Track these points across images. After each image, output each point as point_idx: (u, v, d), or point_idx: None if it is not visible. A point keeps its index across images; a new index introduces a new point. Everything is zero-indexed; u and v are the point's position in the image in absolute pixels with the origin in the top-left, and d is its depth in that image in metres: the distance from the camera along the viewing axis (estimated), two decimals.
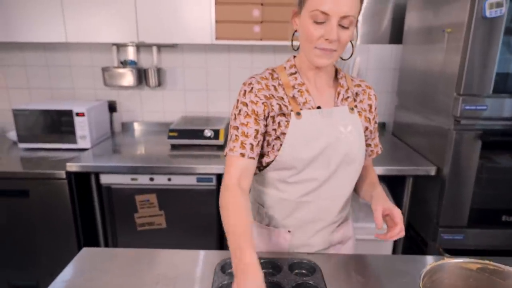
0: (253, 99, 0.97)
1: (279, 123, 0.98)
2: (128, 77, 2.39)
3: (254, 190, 1.14)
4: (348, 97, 1.04)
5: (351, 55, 1.06)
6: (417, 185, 2.02)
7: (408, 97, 2.33)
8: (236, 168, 0.95)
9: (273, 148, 1.00)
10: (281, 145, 0.98)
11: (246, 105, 0.97)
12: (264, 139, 1.01)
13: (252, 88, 0.98)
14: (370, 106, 1.08)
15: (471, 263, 0.71)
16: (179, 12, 2.07)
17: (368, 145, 1.13)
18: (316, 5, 0.87)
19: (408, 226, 2.14)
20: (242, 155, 0.95)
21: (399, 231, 0.93)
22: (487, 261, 0.70)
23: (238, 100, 1.00)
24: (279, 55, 2.48)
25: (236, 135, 0.97)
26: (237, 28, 2.08)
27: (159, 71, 2.45)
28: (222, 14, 2.05)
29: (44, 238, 1.95)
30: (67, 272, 0.98)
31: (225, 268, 0.95)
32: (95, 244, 2.08)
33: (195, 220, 2.03)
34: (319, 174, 1.00)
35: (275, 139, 0.99)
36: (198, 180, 1.95)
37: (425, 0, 2.09)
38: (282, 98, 0.99)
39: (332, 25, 0.87)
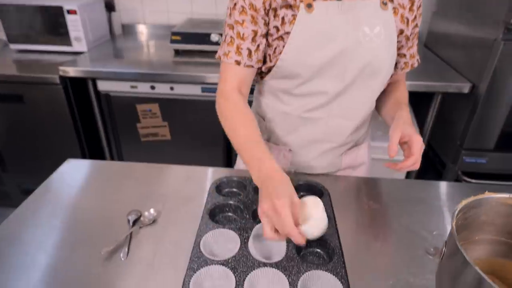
0: None
1: (283, 18, 0.77)
2: None
3: (255, 100, 0.99)
4: None
5: None
6: (444, 103, 1.82)
7: (450, 2, 1.97)
8: (233, 75, 0.82)
9: (274, 51, 0.81)
10: (283, 47, 0.78)
11: None
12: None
13: None
14: (412, 2, 0.82)
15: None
16: None
17: (402, 55, 0.91)
18: None
19: (428, 146, 2.00)
20: (238, 62, 0.80)
21: (413, 163, 0.77)
22: None
23: None
24: None
25: (231, 37, 0.80)
26: None
27: None
28: None
29: (47, 145, 1.91)
30: (49, 183, 0.90)
31: (220, 187, 0.85)
32: (101, 154, 2.04)
33: (201, 132, 1.93)
34: (330, 86, 0.82)
35: (278, 39, 0.79)
36: (203, 90, 1.79)
37: None
38: None
39: None
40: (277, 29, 0.78)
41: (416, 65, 0.96)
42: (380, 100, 0.95)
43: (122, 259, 0.68)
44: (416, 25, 0.87)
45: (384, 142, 1.76)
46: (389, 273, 0.67)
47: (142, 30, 2.38)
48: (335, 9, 0.76)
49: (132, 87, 1.80)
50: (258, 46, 0.80)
